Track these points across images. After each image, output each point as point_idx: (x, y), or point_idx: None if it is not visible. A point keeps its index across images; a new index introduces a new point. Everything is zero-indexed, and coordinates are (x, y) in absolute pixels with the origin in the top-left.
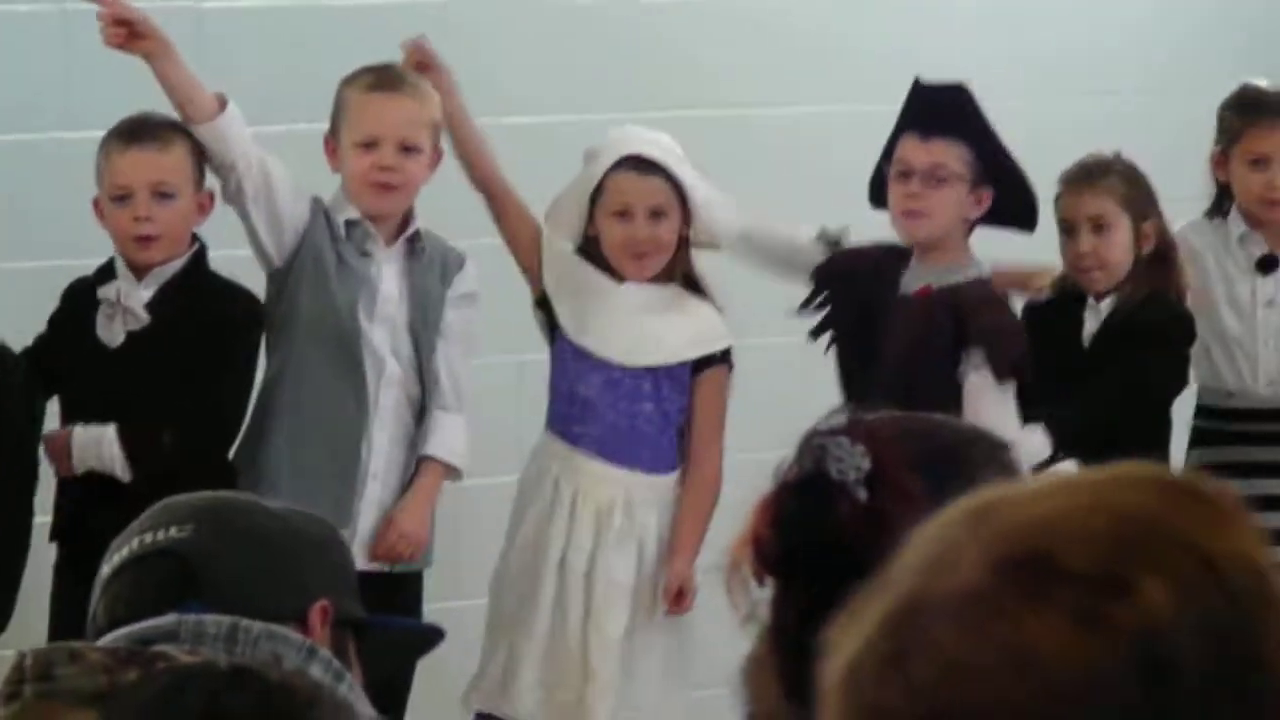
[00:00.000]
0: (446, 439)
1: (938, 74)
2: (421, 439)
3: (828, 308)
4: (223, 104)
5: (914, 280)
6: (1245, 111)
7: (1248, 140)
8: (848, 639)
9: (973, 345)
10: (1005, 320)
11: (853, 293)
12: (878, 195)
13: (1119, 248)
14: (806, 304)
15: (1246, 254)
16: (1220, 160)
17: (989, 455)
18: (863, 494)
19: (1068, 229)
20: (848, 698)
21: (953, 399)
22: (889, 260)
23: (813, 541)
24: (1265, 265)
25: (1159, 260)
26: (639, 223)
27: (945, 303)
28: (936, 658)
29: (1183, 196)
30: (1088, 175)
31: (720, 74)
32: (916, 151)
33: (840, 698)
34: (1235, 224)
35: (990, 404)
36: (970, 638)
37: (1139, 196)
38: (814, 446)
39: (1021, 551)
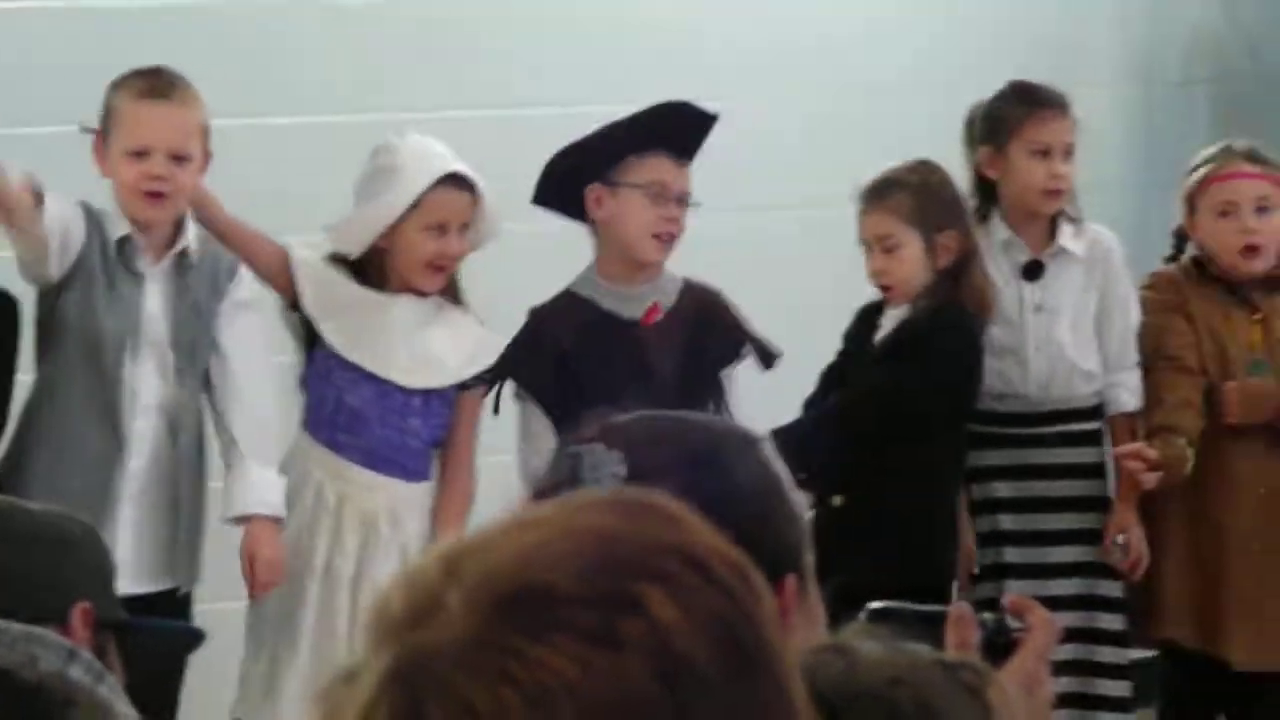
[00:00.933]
0: (261, 494)
1: (714, 74)
2: (233, 494)
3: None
4: (39, 197)
5: (638, 305)
6: (1026, 103)
7: (1030, 130)
8: (348, 704)
9: (734, 344)
10: (736, 315)
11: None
12: (558, 196)
13: (908, 264)
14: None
15: (1011, 261)
16: (992, 158)
17: (742, 451)
18: None
19: (864, 247)
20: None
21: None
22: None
23: None
24: (1030, 271)
25: (953, 272)
26: (451, 238)
27: (687, 316)
28: (456, 708)
29: None
30: (875, 194)
31: (495, 71)
32: (674, 174)
33: None
34: (998, 229)
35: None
36: (486, 684)
37: (930, 209)
38: (569, 454)
39: (513, 589)
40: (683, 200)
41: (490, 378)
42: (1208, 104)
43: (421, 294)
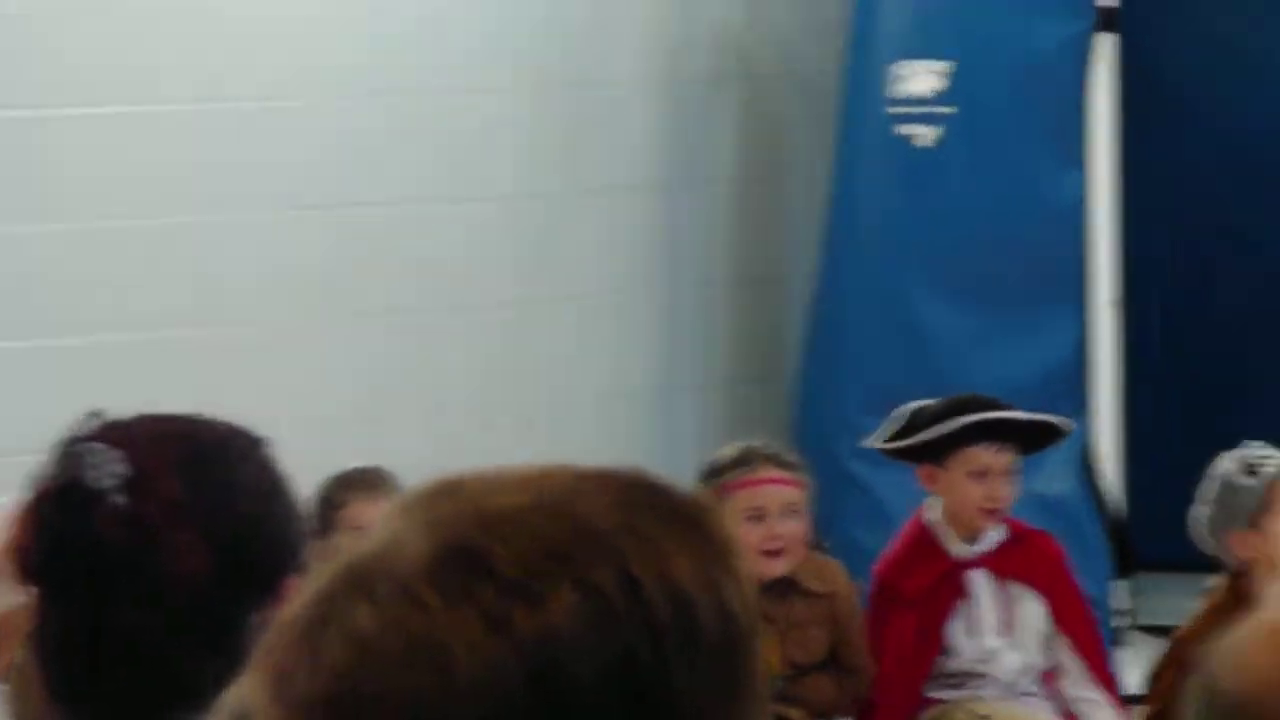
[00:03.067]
0: None
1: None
2: None
3: None
4: None
5: None
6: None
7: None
8: (296, 600)
9: None
10: None
11: None
12: None
13: None
14: None
15: None
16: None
17: (246, 452)
18: (121, 499)
19: None
20: (264, 659)
21: None
22: None
23: (73, 549)
24: None
25: None
26: None
27: None
28: (350, 638)
29: (484, 196)
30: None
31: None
32: None
33: (259, 658)
34: None
35: None
36: (387, 623)
37: None
38: (69, 453)
39: (460, 543)
40: None
41: None
42: (736, 103)
43: None
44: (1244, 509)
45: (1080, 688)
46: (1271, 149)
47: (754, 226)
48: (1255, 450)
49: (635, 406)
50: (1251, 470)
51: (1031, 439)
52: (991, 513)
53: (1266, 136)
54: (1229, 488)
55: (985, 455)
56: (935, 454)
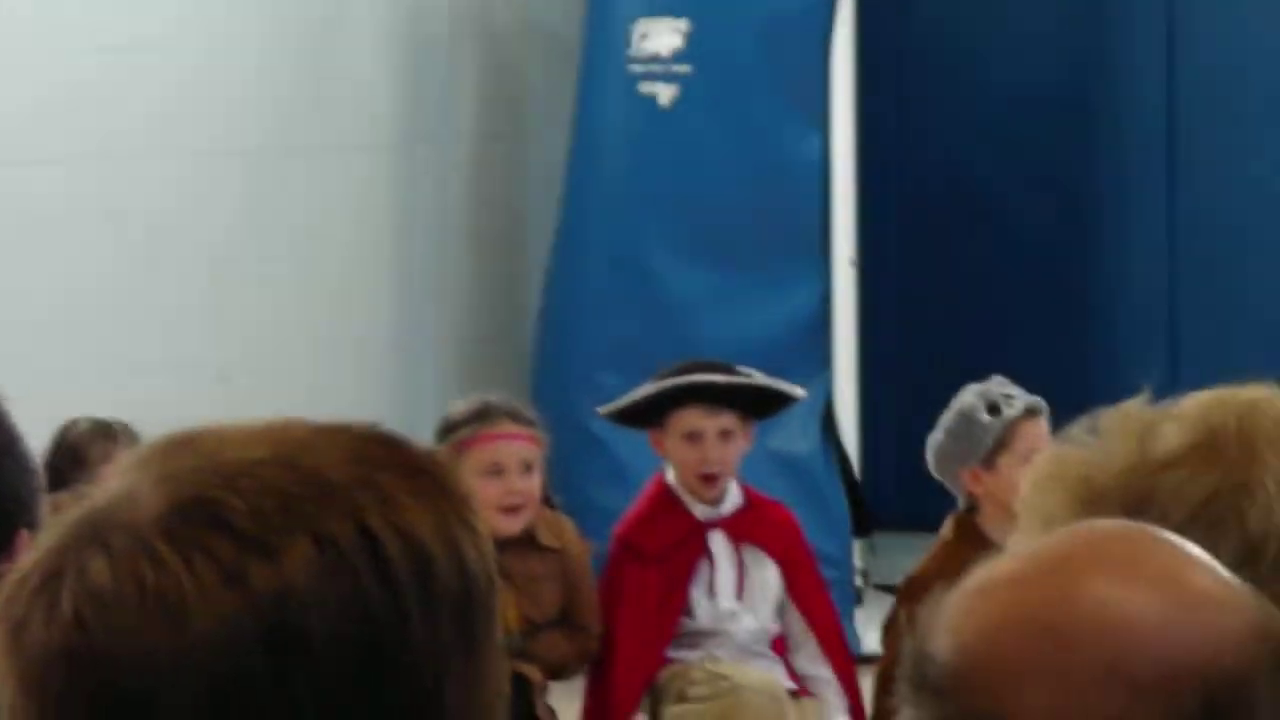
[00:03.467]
0: None
1: None
2: None
3: None
4: None
5: None
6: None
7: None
8: (32, 553)
9: None
10: None
11: None
12: None
13: None
14: None
15: None
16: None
17: None
18: None
19: None
20: (0, 612)
21: None
22: None
23: None
24: None
25: None
26: None
27: None
28: (86, 590)
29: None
30: None
31: None
32: None
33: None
34: None
35: None
36: (122, 576)
37: None
38: None
39: (195, 496)
40: None
41: None
42: (475, 61)
43: None
44: (980, 445)
45: (810, 664)
46: (1004, 110)
47: (493, 183)
48: (1001, 387)
49: (374, 362)
50: (994, 408)
51: (762, 403)
52: (707, 478)
53: (1000, 99)
54: (968, 421)
55: (697, 419)
56: (656, 418)
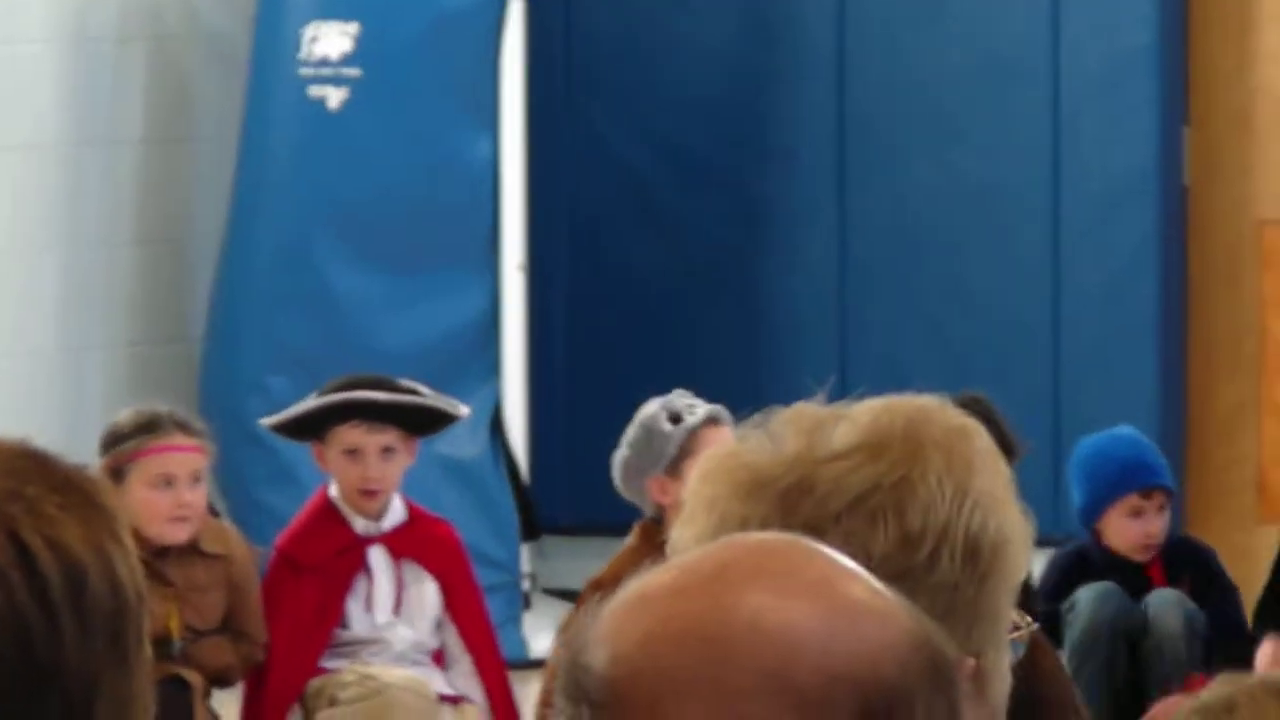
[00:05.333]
0: None
1: None
2: None
3: None
4: None
5: None
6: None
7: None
8: None
9: None
10: None
11: None
12: None
13: None
14: None
15: None
16: None
17: None
18: None
19: None
20: None
21: None
22: None
23: None
24: None
25: None
26: None
27: None
28: None
29: None
30: None
31: None
32: None
33: None
34: None
35: None
36: None
37: None
38: None
39: None
40: None
41: None
42: (143, 62)
43: None
44: (664, 454)
45: (465, 681)
46: (675, 116)
47: (161, 186)
48: (682, 398)
49: (39, 367)
50: (675, 417)
51: (424, 420)
52: (367, 493)
53: (671, 104)
54: (650, 431)
55: (357, 436)
56: (319, 432)
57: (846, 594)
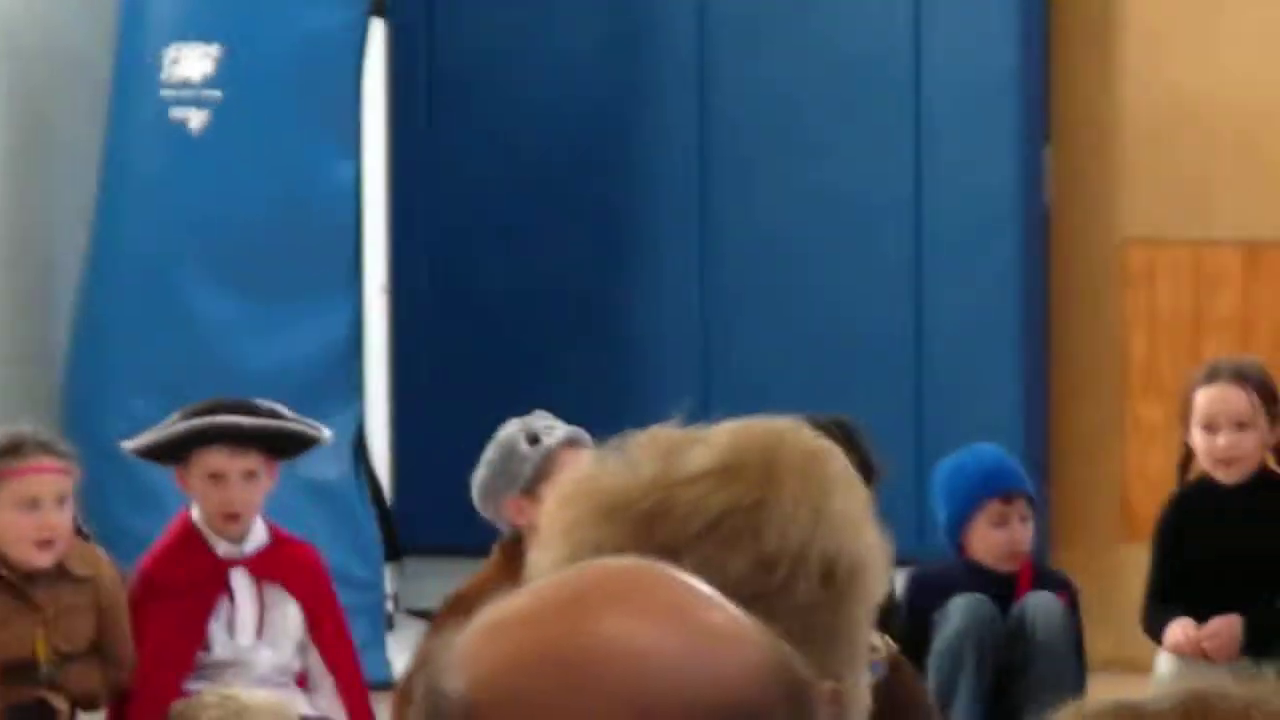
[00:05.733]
0: None
1: None
2: None
3: None
4: None
5: None
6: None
7: None
8: None
9: None
10: None
11: None
12: None
13: None
14: None
15: None
16: None
17: None
18: None
19: None
20: None
21: None
22: None
23: None
24: None
25: None
26: None
27: None
28: None
29: None
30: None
31: None
32: None
33: None
34: None
35: None
36: None
37: None
38: None
39: None
40: None
41: None
42: (3, 82)
43: None
44: (521, 475)
45: (328, 704)
46: (537, 138)
47: (22, 207)
48: (541, 419)
49: None
50: (534, 438)
51: (287, 443)
52: (230, 517)
53: (533, 126)
54: (508, 452)
55: (219, 460)
56: (178, 456)
57: (704, 619)
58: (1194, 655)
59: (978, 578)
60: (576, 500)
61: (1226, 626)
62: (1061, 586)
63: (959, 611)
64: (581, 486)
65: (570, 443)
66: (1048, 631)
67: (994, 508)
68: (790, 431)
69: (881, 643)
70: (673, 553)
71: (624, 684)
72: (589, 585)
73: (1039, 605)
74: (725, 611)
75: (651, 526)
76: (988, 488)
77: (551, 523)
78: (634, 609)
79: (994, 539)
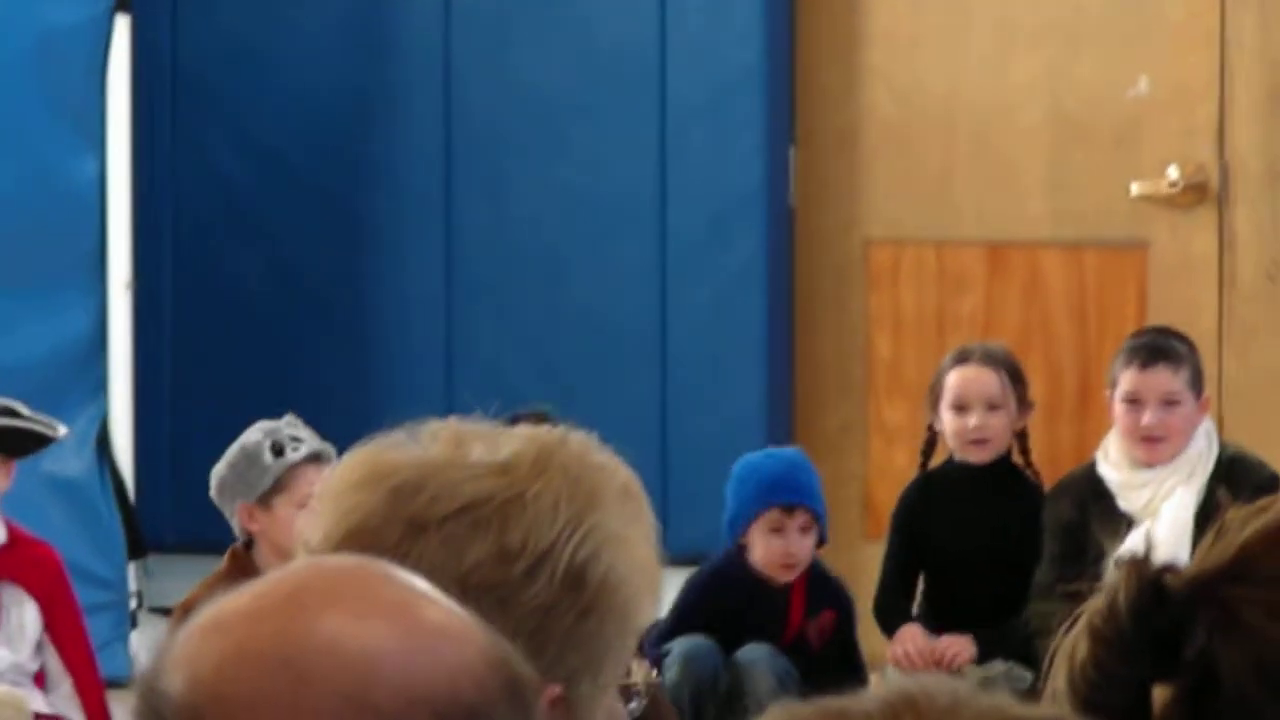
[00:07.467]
0: None
1: None
2: None
3: None
4: None
5: None
6: None
7: None
8: None
9: None
10: None
11: None
12: None
13: None
14: None
15: None
16: None
17: None
18: None
19: None
20: None
21: None
22: None
23: None
24: None
25: None
26: None
27: None
28: None
29: None
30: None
31: None
32: None
33: None
34: None
35: None
36: None
37: None
38: None
39: None
40: None
41: None
42: None
43: None
44: (259, 484)
45: (65, 703)
46: (280, 133)
47: None
48: (291, 429)
49: None
50: (278, 449)
51: (21, 441)
52: None
53: (277, 120)
54: (250, 458)
55: None
56: None
57: (423, 616)
58: (923, 668)
59: (751, 584)
60: (353, 468)
61: (958, 645)
62: (833, 601)
63: (678, 659)
64: (359, 455)
65: (313, 459)
66: (759, 693)
67: (773, 515)
68: (584, 444)
69: (641, 674)
70: (419, 527)
71: (343, 681)
72: (308, 583)
73: (752, 661)
74: (445, 608)
75: (404, 498)
76: (770, 496)
77: (325, 490)
78: (353, 606)
79: (770, 547)
